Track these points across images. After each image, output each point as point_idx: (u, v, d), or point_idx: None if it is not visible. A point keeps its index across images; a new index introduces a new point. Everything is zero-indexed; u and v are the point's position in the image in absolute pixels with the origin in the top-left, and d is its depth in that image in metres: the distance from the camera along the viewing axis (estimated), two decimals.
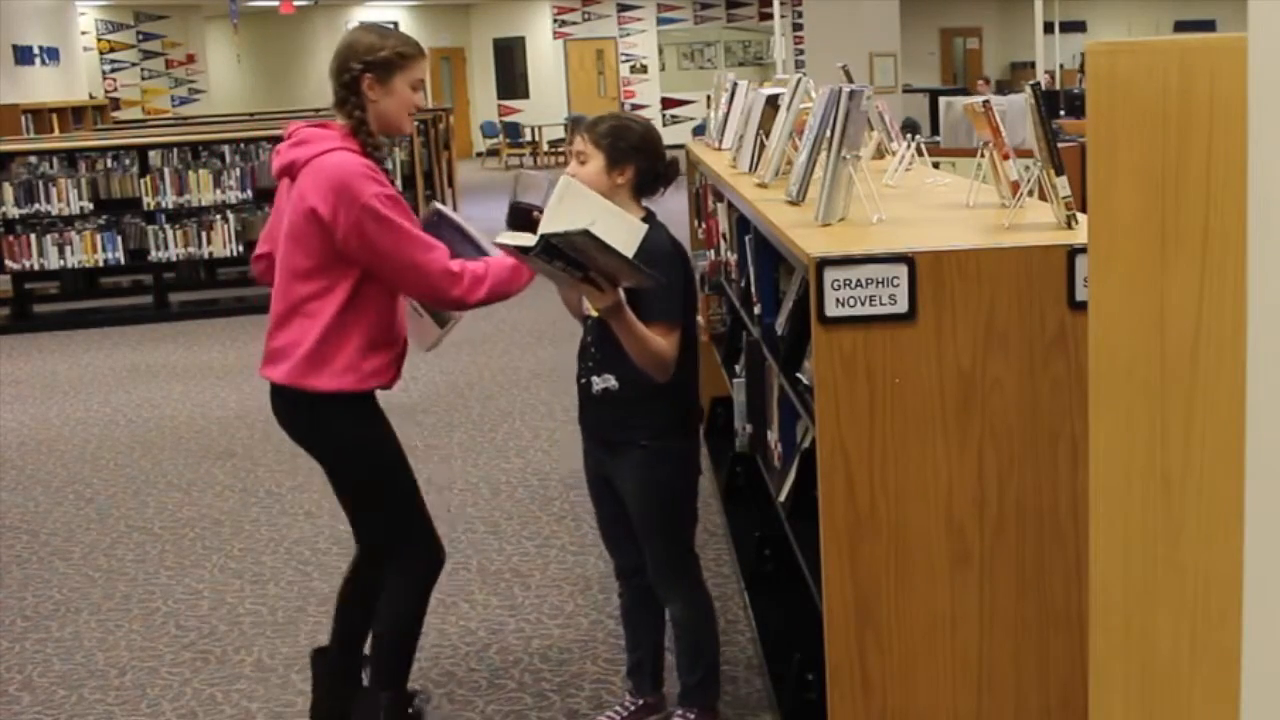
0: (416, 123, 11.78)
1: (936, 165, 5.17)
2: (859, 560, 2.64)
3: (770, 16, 18.63)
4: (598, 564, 4.66)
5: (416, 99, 3.19)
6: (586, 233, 2.76)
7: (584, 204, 2.88)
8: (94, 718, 3.79)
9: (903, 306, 2.56)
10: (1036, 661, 2.68)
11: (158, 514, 5.58)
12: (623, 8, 26.53)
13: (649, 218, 3.21)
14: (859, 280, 2.56)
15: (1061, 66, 18.47)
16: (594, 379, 3.23)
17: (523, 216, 3.13)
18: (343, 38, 3.22)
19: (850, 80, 4.34)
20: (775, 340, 3.49)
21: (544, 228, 2.84)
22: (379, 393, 3.26)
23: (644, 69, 26.65)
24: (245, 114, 19.41)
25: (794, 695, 3.34)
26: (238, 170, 10.40)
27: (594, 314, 3.19)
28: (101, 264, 10.35)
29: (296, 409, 3.24)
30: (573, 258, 2.84)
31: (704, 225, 5.60)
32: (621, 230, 2.85)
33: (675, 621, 3.38)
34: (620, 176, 3.14)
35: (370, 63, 3.11)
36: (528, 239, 2.86)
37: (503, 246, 2.98)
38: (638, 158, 3.15)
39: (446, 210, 3.46)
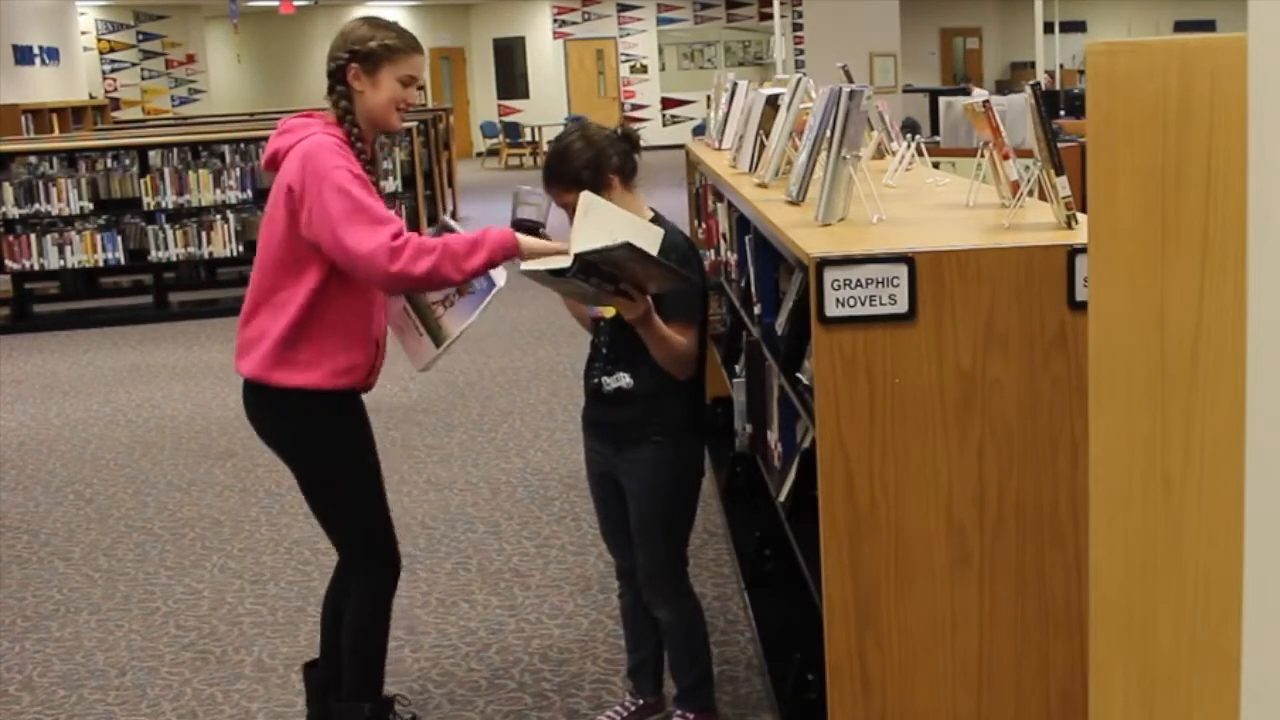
0: (416, 122, 11.79)
1: (936, 165, 5.17)
2: (859, 560, 2.64)
3: (770, 16, 18.62)
4: (598, 564, 4.66)
5: (406, 95, 3.12)
6: (629, 245, 2.79)
7: (605, 218, 2.92)
8: (94, 718, 3.79)
9: (903, 306, 2.56)
10: (1036, 662, 2.68)
11: (158, 514, 5.58)
12: (623, 8, 26.52)
13: (657, 218, 3.22)
14: (859, 280, 2.56)
15: (1061, 66, 18.46)
16: (605, 379, 3.24)
17: (525, 232, 3.13)
18: (341, 26, 3.20)
19: (850, 80, 4.33)
20: (775, 340, 3.49)
21: (576, 247, 2.87)
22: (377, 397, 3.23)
23: (644, 69, 26.65)
24: (245, 114, 19.40)
25: (794, 695, 3.34)
26: (238, 170, 10.40)
27: (606, 316, 3.20)
28: (101, 264, 10.35)
29: (261, 404, 3.19)
30: (608, 273, 2.86)
31: (704, 225, 5.60)
32: (642, 238, 2.88)
33: (666, 629, 3.38)
34: (609, 190, 3.14)
35: (357, 53, 3.06)
36: (560, 262, 2.88)
37: (532, 274, 2.96)
38: (610, 163, 3.16)
39: (454, 224, 3.44)
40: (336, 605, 3.39)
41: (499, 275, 3.23)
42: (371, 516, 3.27)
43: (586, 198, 2.98)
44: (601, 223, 2.90)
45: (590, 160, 3.13)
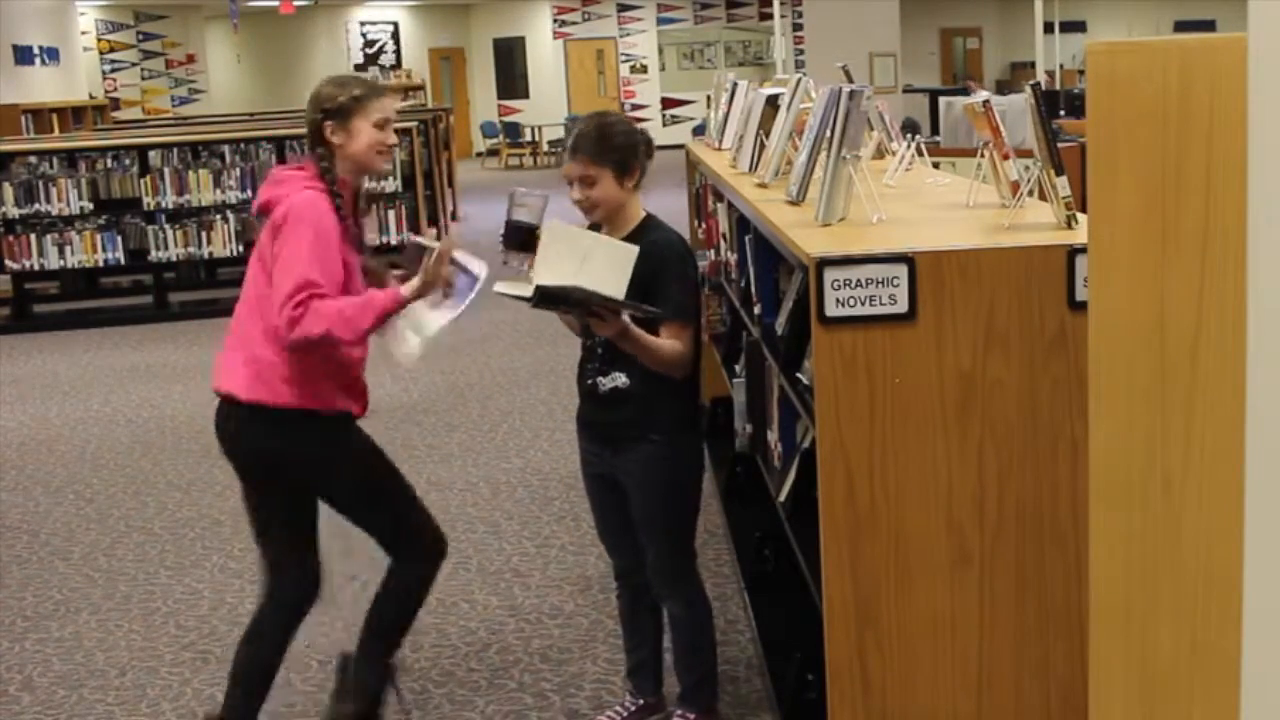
0: (416, 123, 11.79)
1: (936, 165, 5.17)
2: (859, 560, 2.64)
3: (770, 16, 18.64)
4: (598, 564, 4.66)
5: (383, 136, 3.26)
6: (582, 290, 2.86)
7: (574, 243, 2.96)
8: (94, 718, 3.79)
9: (903, 306, 2.56)
10: (1036, 661, 2.68)
11: (158, 514, 5.58)
12: (623, 8, 26.52)
13: (650, 219, 3.22)
14: (859, 280, 2.56)
15: (1061, 66, 18.47)
16: (600, 379, 3.24)
17: (520, 235, 3.15)
18: (310, 92, 3.33)
19: (850, 80, 4.34)
20: (775, 340, 3.49)
21: (538, 278, 2.93)
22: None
23: (644, 69, 26.64)
24: (245, 114, 19.39)
25: (794, 695, 3.34)
26: (237, 170, 10.40)
27: None
28: (101, 264, 10.35)
29: (258, 426, 3.24)
30: (574, 299, 2.90)
31: (704, 225, 5.60)
32: (616, 258, 2.94)
33: (673, 623, 3.38)
34: (630, 180, 3.15)
35: (329, 110, 3.23)
36: (525, 288, 2.92)
37: (504, 295, 3.03)
38: (639, 154, 3.17)
39: (424, 241, 3.45)
40: (260, 630, 3.41)
41: (480, 269, 3.26)
42: (408, 508, 3.36)
43: (552, 227, 3.02)
44: (570, 249, 2.95)
45: (617, 145, 3.15)
